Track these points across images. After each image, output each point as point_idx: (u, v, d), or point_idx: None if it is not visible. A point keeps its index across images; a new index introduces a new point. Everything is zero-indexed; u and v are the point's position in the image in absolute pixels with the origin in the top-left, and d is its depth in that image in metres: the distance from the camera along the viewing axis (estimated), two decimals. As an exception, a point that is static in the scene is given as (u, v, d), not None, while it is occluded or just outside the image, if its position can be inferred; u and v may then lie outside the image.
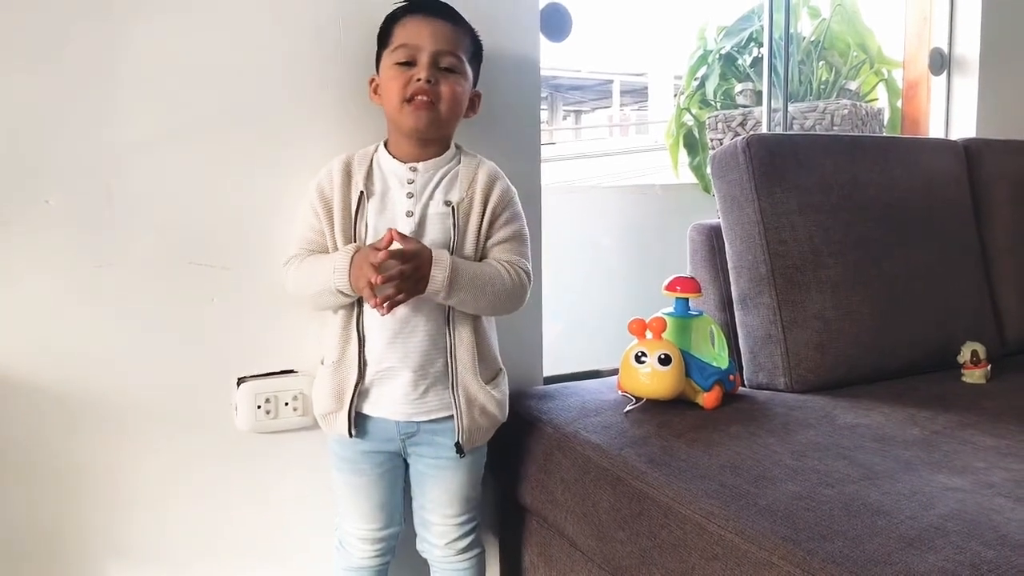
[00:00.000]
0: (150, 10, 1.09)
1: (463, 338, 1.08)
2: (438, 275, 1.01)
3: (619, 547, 1.02)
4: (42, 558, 1.11)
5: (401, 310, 1.04)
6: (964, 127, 1.94)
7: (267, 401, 1.18)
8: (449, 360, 1.08)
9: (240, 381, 1.18)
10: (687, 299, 1.24)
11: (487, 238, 1.09)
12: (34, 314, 1.07)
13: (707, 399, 1.19)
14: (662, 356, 1.14)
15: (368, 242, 1.05)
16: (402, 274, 0.98)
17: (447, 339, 1.08)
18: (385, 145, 1.12)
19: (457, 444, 1.09)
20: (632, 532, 0.99)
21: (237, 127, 1.15)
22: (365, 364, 1.08)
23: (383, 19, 1.11)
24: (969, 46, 1.92)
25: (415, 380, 1.07)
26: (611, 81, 9.47)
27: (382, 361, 1.07)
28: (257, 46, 1.15)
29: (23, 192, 1.05)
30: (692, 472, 0.99)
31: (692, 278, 1.26)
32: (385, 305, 0.99)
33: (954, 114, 1.97)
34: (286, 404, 1.19)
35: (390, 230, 1.00)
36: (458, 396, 1.08)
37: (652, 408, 1.18)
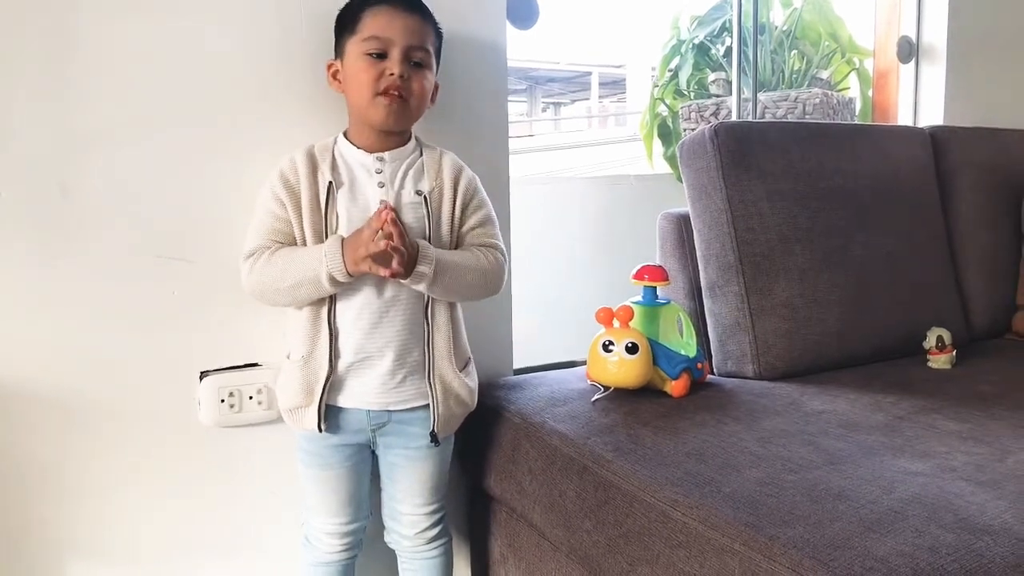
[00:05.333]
0: (113, 9, 1.07)
1: (440, 327, 1.09)
2: (428, 253, 1.01)
3: (586, 536, 1.01)
4: (8, 554, 1.09)
5: (383, 296, 1.05)
6: (932, 115, 1.95)
7: (231, 395, 1.16)
8: (426, 349, 1.08)
9: (203, 375, 1.16)
10: (655, 287, 1.24)
11: (460, 225, 1.10)
12: (-10, 309, 1.05)
13: (675, 387, 1.18)
14: (629, 345, 1.14)
15: (342, 232, 1.03)
16: (401, 236, 0.97)
17: (425, 328, 1.08)
18: (345, 135, 1.10)
19: (432, 433, 1.09)
20: (598, 521, 0.99)
21: (197, 118, 1.13)
22: (337, 357, 1.06)
23: (347, 1, 1.08)
24: (937, 34, 1.93)
25: (393, 369, 1.07)
26: (590, 73, 9.47)
27: (359, 352, 1.06)
28: (217, 35, 1.13)
29: (-25, 183, 1.03)
30: (657, 460, 0.98)
31: (660, 266, 1.25)
32: (394, 265, 0.97)
33: (922, 102, 1.98)
34: (250, 398, 1.17)
35: (384, 202, 1.01)
36: (435, 385, 1.09)
37: (620, 397, 1.17)
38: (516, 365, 1.43)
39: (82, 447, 1.11)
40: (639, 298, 1.24)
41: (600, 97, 9.68)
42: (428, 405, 1.09)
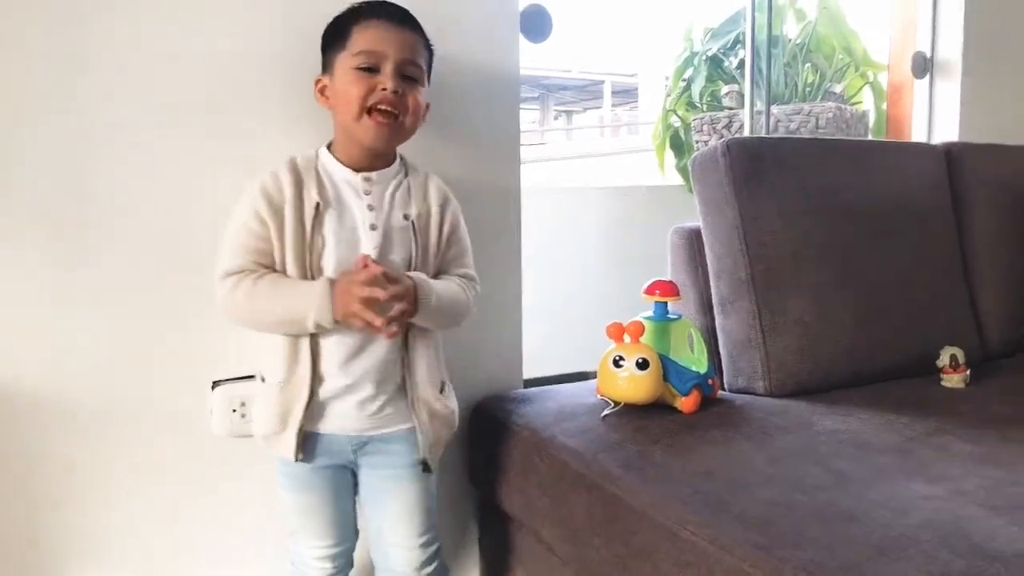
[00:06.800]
0: (124, 10, 1.08)
1: (421, 352, 1.06)
2: (428, 302, 1.00)
3: (594, 553, 1.01)
4: (10, 558, 1.10)
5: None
6: (947, 131, 1.94)
7: (242, 404, 1.17)
8: (407, 375, 1.05)
9: (215, 384, 1.17)
10: (666, 303, 1.23)
11: (444, 252, 1.09)
12: (6, 316, 1.06)
13: (685, 403, 1.18)
14: (640, 360, 1.14)
15: (325, 255, 1.01)
16: (396, 295, 0.96)
17: (405, 354, 1.05)
18: (328, 149, 1.07)
19: (424, 462, 1.07)
20: (607, 538, 0.99)
21: (214, 130, 1.14)
22: (319, 383, 1.02)
23: (338, 14, 1.05)
24: (951, 50, 1.93)
25: (374, 395, 1.03)
26: (602, 82, 9.48)
27: (340, 378, 1.02)
28: (237, 43, 1.14)
29: (-8, 193, 1.04)
30: (667, 478, 0.98)
31: (671, 282, 1.25)
32: (394, 327, 0.97)
33: (937, 118, 1.97)
34: (261, 408, 1.18)
35: (364, 256, 0.99)
36: (419, 411, 1.06)
37: (630, 412, 1.17)
38: (525, 375, 1.43)
39: (94, 455, 1.12)
40: (650, 313, 1.24)
41: (613, 106, 9.69)
42: (409, 428, 1.06)
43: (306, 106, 1.15)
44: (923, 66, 1.97)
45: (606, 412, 1.17)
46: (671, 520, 0.90)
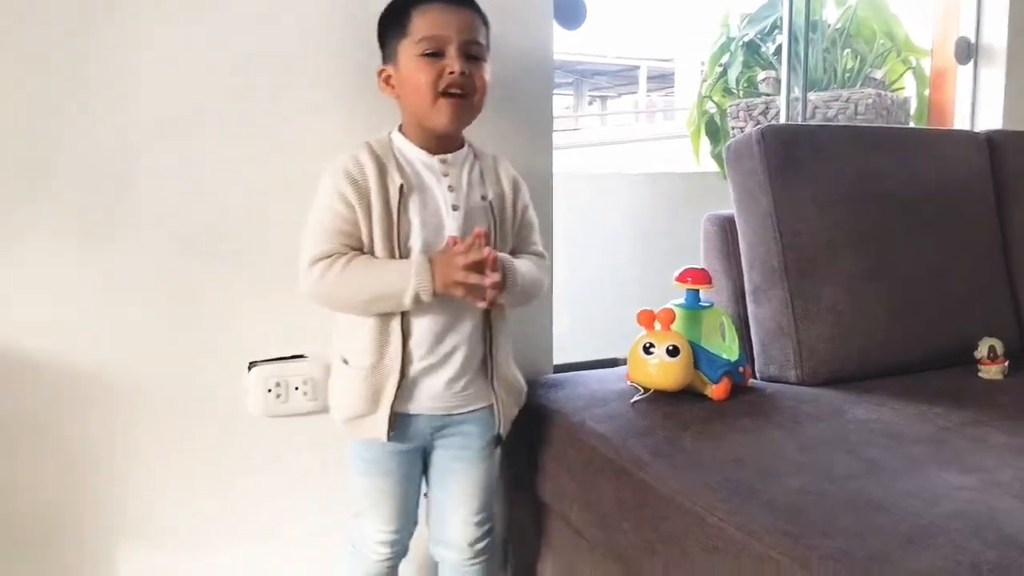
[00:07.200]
0: (150, 9, 1.10)
1: (500, 329, 1.10)
2: (514, 278, 1.04)
3: (623, 537, 1.02)
4: (54, 535, 1.14)
5: (456, 301, 1.02)
6: (991, 118, 1.90)
7: (277, 385, 1.20)
8: (490, 351, 1.08)
9: (251, 365, 1.20)
10: (698, 290, 1.23)
11: (518, 232, 1.13)
12: (49, 297, 1.10)
13: (715, 391, 1.18)
14: (670, 347, 1.14)
15: (412, 237, 1.02)
16: (494, 263, 0.99)
17: (488, 330, 1.08)
18: (400, 131, 1.08)
19: (499, 436, 1.10)
20: (635, 523, 1.00)
21: (252, 112, 1.16)
22: (409, 364, 1.04)
23: (391, 3, 1.06)
24: (996, 35, 1.88)
25: (459, 374, 1.06)
26: (637, 67, 9.40)
27: (428, 357, 1.04)
28: (273, 29, 1.16)
29: (40, 176, 1.07)
30: (695, 464, 0.98)
31: (703, 269, 1.25)
32: (493, 291, 0.99)
33: (980, 105, 1.93)
34: (296, 388, 1.20)
35: (452, 237, 1.01)
36: (498, 387, 1.09)
37: (660, 399, 1.17)
38: (555, 361, 1.44)
39: (132, 433, 1.16)
40: (681, 300, 1.24)
41: (648, 91, 9.60)
42: (485, 407, 1.09)
43: (335, 94, 1.18)
44: (967, 52, 1.93)
45: (636, 398, 1.18)
46: (700, 506, 0.91)
